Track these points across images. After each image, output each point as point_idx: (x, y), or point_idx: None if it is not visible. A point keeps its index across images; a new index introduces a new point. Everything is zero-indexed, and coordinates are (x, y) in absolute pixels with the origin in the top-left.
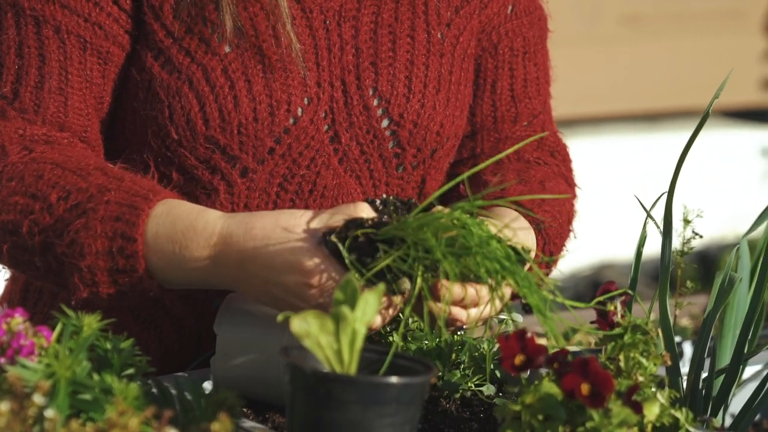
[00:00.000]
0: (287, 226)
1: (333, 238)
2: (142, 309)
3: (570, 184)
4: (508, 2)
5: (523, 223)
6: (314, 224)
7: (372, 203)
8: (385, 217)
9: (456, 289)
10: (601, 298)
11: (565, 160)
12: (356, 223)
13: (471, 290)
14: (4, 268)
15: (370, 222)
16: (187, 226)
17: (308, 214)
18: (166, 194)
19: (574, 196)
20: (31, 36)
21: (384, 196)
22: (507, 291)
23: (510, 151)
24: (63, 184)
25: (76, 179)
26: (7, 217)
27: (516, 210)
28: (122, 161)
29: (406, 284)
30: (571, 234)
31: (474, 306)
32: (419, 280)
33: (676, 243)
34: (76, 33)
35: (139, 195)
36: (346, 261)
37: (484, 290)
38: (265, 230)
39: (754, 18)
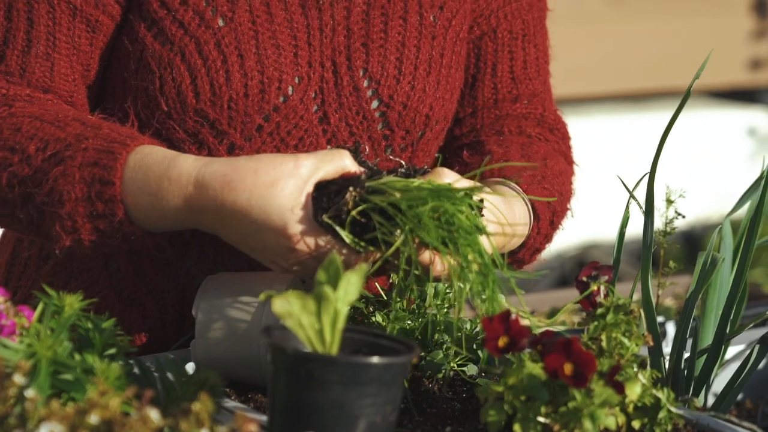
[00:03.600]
0: (270, 181)
1: (326, 218)
2: (129, 263)
3: (569, 162)
4: None
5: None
6: (301, 175)
7: (354, 152)
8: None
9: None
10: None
11: (564, 137)
12: (348, 182)
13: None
14: None
15: (354, 190)
16: (161, 176)
17: (289, 163)
18: (143, 140)
19: (573, 173)
20: (21, 0)
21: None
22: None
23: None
24: (41, 136)
25: (54, 130)
26: None
27: (514, 189)
28: None
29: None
30: (569, 212)
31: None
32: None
33: (659, 223)
34: (67, 0)
35: (117, 141)
36: (346, 239)
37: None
38: (245, 183)
39: None
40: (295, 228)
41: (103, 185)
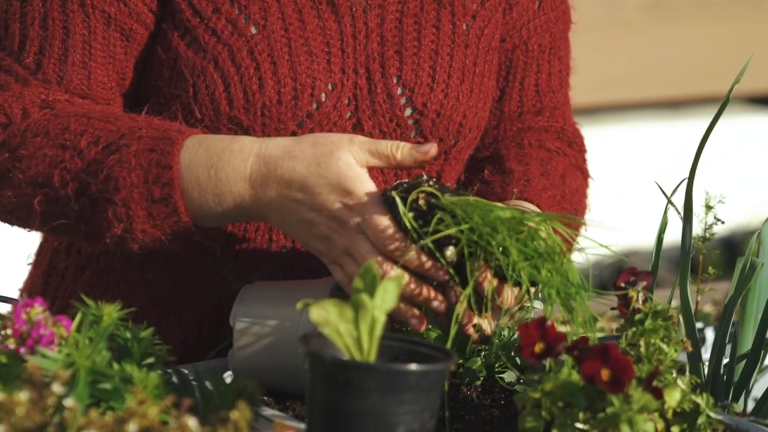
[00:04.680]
0: (328, 151)
1: (393, 193)
2: (165, 272)
3: (585, 176)
4: None
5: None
6: (356, 144)
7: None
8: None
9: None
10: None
11: (581, 150)
12: (418, 182)
13: (508, 291)
14: (32, 229)
15: (432, 185)
16: (222, 149)
17: (345, 137)
18: (196, 131)
19: (588, 187)
20: (56, 8)
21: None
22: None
23: None
24: (91, 131)
25: (104, 125)
26: (36, 170)
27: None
28: None
29: (450, 252)
30: (583, 228)
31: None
32: (472, 263)
33: (698, 229)
34: (101, 8)
35: (172, 129)
36: (404, 218)
37: (514, 293)
38: (305, 153)
39: None
40: (352, 184)
41: (161, 169)
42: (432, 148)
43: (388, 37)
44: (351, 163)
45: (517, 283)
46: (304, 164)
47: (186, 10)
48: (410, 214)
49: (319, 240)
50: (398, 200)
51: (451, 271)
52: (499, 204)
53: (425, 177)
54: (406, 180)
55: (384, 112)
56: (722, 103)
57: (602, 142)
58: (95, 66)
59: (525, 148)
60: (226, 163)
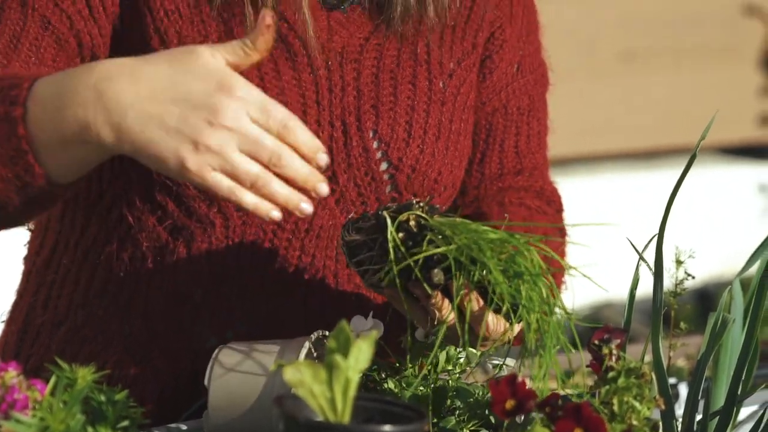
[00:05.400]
0: (187, 50)
1: (385, 213)
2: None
3: (563, 235)
4: (514, 60)
5: None
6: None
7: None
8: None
9: (478, 307)
10: None
11: (559, 210)
12: (409, 204)
13: (491, 317)
14: None
15: (422, 206)
16: (71, 72)
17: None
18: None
19: (566, 245)
20: None
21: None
22: (517, 328)
23: None
24: None
25: None
26: None
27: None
28: (117, 187)
29: (439, 277)
30: (563, 286)
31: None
32: (458, 282)
33: (669, 284)
34: (42, 12)
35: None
36: (391, 238)
37: (501, 324)
38: (161, 56)
39: (750, 53)
40: (233, 77)
41: (12, 88)
42: (267, 16)
43: (364, 91)
44: (216, 56)
45: (500, 308)
46: (163, 57)
47: (158, 48)
48: (399, 235)
49: (177, 141)
50: (389, 220)
51: (438, 294)
52: (485, 226)
53: (415, 200)
54: (395, 204)
55: (359, 166)
56: (690, 157)
57: (578, 194)
58: (16, 57)
59: (506, 206)
60: (71, 74)
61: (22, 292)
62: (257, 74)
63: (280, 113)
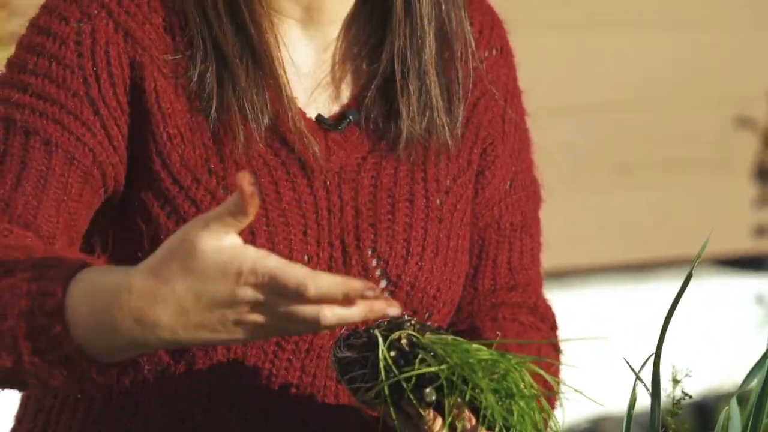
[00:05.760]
0: (186, 250)
1: (377, 332)
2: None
3: (557, 351)
4: (507, 177)
5: None
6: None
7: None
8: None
9: (470, 426)
10: None
11: (553, 327)
12: (400, 321)
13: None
14: None
15: (414, 324)
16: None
17: (193, 227)
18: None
19: (560, 362)
20: (17, 146)
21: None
22: None
23: None
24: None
25: (17, 254)
26: None
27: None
28: None
29: (431, 397)
30: (557, 404)
31: None
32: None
33: (667, 403)
34: (65, 148)
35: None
36: (382, 357)
37: None
38: (170, 269)
39: (743, 165)
40: (237, 262)
41: (46, 297)
42: (244, 183)
43: (362, 210)
44: (215, 239)
45: (492, 426)
46: (178, 281)
47: (166, 179)
48: (391, 353)
49: (229, 329)
50: (380, 339)
51: (430, 411)
52: (478, 344)
53: (406, 317)
54: (387, 321)
55: None
56: (687, 274)
57: (571, 308)
58: (46, 198)
59: (500, 321)
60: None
61: (20, 418)
62: (259, 196)
63: (292, 279)
